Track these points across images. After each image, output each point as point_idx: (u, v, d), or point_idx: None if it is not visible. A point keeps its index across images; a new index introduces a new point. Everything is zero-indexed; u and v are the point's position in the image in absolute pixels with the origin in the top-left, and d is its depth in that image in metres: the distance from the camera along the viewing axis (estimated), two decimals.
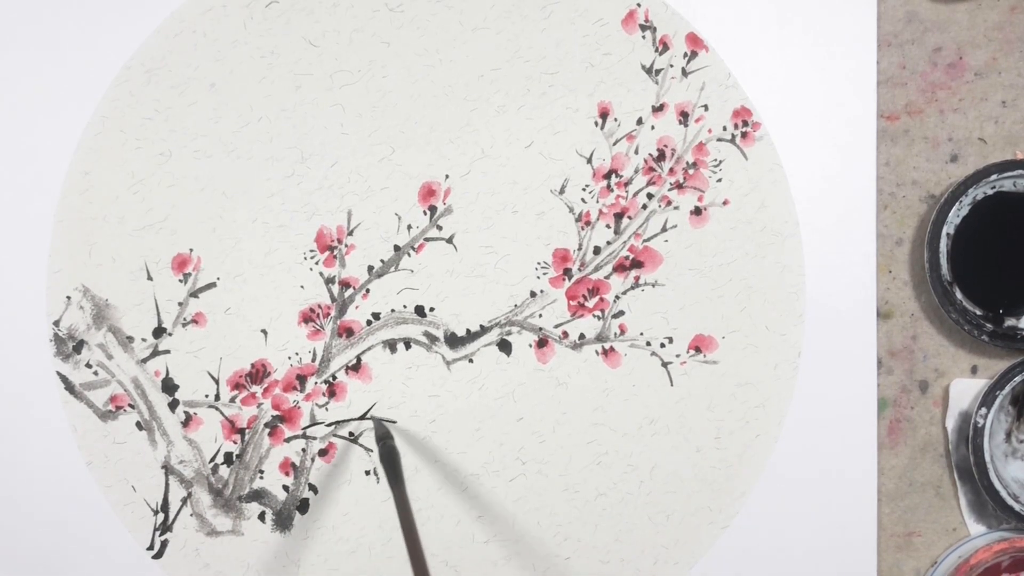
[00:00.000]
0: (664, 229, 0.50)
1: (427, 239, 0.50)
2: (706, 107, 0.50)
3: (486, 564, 0.50)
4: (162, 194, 0.49)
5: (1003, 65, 0.50)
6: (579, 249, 0.50)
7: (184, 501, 0.50)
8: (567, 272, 0.50)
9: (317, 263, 0.49)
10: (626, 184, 0.50)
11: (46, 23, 0.49)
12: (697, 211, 0.50)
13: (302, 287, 0.50)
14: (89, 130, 0.49)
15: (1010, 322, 0.49)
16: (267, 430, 0.50)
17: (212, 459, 0.50)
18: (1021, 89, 0.50)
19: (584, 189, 0.50)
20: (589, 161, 0.50)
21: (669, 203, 0.50)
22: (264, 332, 0.49)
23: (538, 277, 0.50)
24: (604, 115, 0.49)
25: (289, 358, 0.50)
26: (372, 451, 0.50)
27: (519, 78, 0.49)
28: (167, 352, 0.49)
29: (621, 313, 0.50)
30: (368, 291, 0.50)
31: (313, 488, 0.50)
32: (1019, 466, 0.50)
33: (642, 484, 0.50)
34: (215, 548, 0.50)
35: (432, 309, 0.50)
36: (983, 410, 0.49)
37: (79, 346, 0.49)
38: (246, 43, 0.49)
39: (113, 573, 0.50)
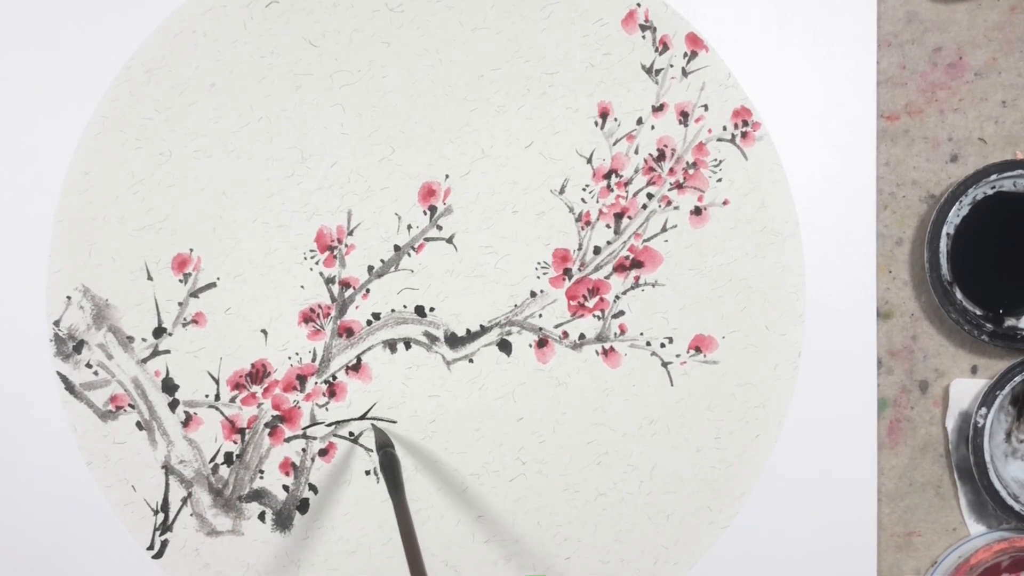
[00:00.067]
0: (664, 229, 0.50)
1: (427, 239, 0.50)
2: (706, 107, 0.50)
3: (486, 564, 0.50)
4: (162, 194, 0.49)
5: (1003, 65, 0.50)
6: (579, 249, 0.50)
7: (184, 501, 0.50)
8: (567, 272, 0.50)
9: (317, 263, 0.49)
10: (626, 184, 0.50)
11: (46, 23, 0.49)
12: (697, 211, 0.50)
13: (302, 287, 0.50)
14: (89, 130, 0.49)
15: (1010, 322, 0.49)
16: (267, 430, 0.50)
17: (212, 459, 0.50)
18: (1021, 89, 0.50)
19: (584, 189, 0.50)
20: (589, 161, 0.50)
21: (669, 203, 0.50)
22: (264, 332, 0.49)
23: (538, 277, 0.50)
24: (604, 115, 0.49)
25: (289, 358, 0.50)
26: (372, 451, 0.50)
27: (519, 78, 0.49)
28: (167, 352, 0.49)
29: (621, 313, 0.50)
30: (368, 291, 0.50)
31: (313, 488, 0.50)
32: (1019, 466, 0.50)
33: (642, 484, 0.50)
34: (215, 548, 0.50)
35: (432, 309, 0.50)
36: (983, 410, 0.49)
37: (79, 346, 0.49)
38: (246, 43, 0.49)
39: (113, 573, 0.50)
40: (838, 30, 0.49)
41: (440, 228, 0.50)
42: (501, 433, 0.50)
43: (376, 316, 0.50)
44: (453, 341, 0.50)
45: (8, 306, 0.49)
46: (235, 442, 0.50)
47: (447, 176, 0.49)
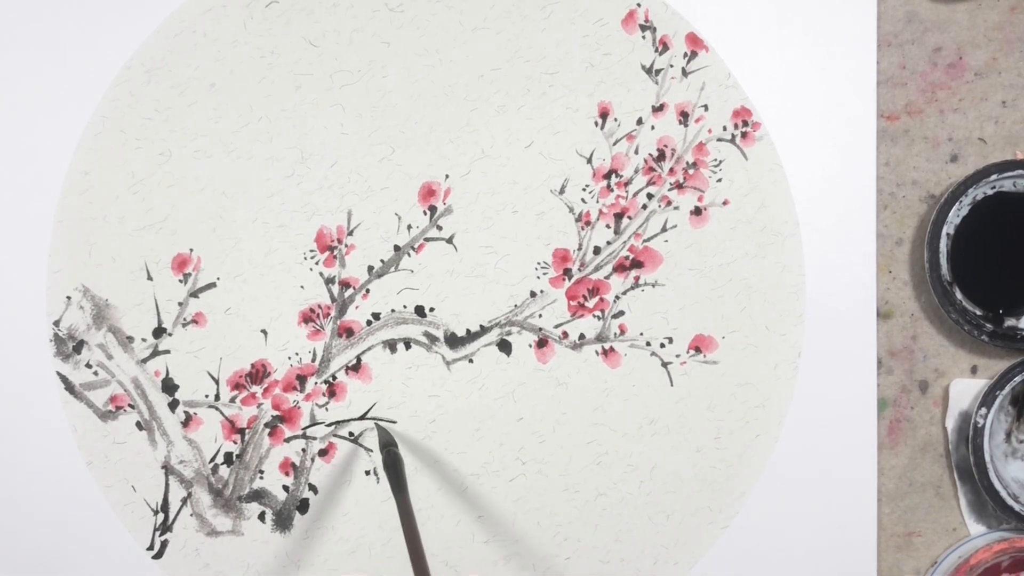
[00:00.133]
0: (664, 229, 0.50)
1: (427, 239, 0.50)
2: (706, 107, 0.50)
3: (486, 564, 0.50)
4: (162, 194, 0.49)
5: (1003, 65, 0.50)
6: (579, 249, 0.50)
7: (184, 501, 0.50)
8: (567, 272, 0.50)
9: (317, 263, 0.49)
10: (626, 184, 0.50)
11: (46, 23, 0.49)
12: (697, 211, 0.50)
13: (302, 287, 0.50)
14: (89, 130, 0.49)
15: (1010, 322, 0.49)
16: (267, 430, 0.50)
17: (212, 459, 0.50)
18: (1021, 89, 0.50)
19: (584, 189, 0.50)
20: (589, 161, 0.50)
21: (669, 203, 0.50)
22: (264, 332, 0.49)
23: (538, 277, 0.50)
24: (604, 115, 0.49)
25: (289, 358, 0.50)
26: (372, 451, 0.50)
27: (519, 78, 0.49)
28: (167, 352, 0.49)
29: (621, 313, 0.50)
30: (368, 291, 0.50)
31: (313, 488, 0.50)
32: (1019, 466, 0.50)
33: (642, 484, 0.50)
34: (215, 548, 0.50)
35: (432, 309, 0.50)
36: (983, 410, 0.49)
37: (79, 346, 0.49)
38: (246, 43, 0.49)
39: (113, 573, 0.50)
40: (838, 30, 0.49)
41: (440, 228, 0.50)
42: (501, 433, 0.50)
43: (376, 316, 0.50)
44: (453, 341, 0.50)
45: (8, 306, 0.49)
46: (235, 442, 0.50)
47: (447, 176, 0.49)
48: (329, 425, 0.50)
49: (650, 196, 0.50)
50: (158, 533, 0.50)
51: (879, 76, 0.50)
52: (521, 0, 0.49)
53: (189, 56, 0.49)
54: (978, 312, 0.49)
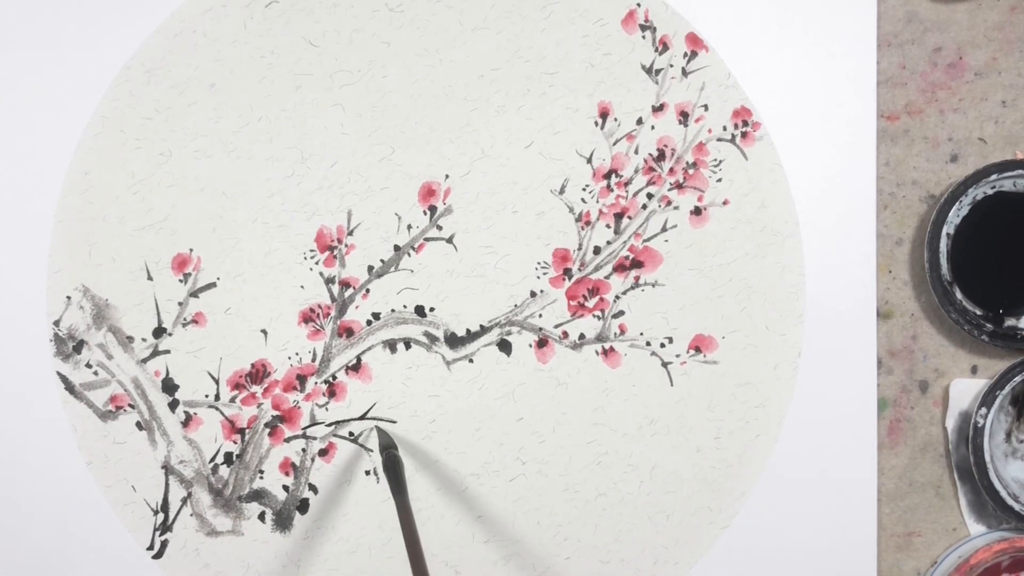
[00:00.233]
0: (664, 229, 0.50)
1: (427, 239, 0.50)
2: (706, 107, 0.50)
3: (486, 564, 0.50)
4: (162, 194, 0.49)
5: (1003, 65, 0.50)
6: (579, 249, 0.50)
7: (184, 501, 0.50)
8: (567, 272, 0.50)
9: (317, 263, 0.49)
10: (626, 184, 0.50)
11: (46, 23, 0.49)
12: (697, 211, 0.50)
13: (302, 287, 0.50)
14: (89, 130, 0.49)
15: (1010, 322, 0.49)
16: (267, 430, 0.50)
17: (212, 459, 0.50)
18: (1021, 89, 0.50)
19: (584, 189, 0.50)
20: (589, 161, 0.50)
21: (669, 203, 0.50)
22: (264, 332, 0.49)
23: (538, 277, 0.50)
24: (604, 115, 0.49)
25: (289, 358, 0.50)
26: (372, 451, 0.50)
27: (519, 78, 0.49)
28: (167, 352, 0.49)
29: (621, 313, 0.50)
30: (368, 291, 0.50)
31: (313, 488, 0.50)
32: (1019, 466, 0.50)
33: (642, 484, 0.50)
34: (215, 548, 0.50)
35: (432, 309, 0.50)
36: (983, 410, 0.49)
37: (79, 346, 0.49)
38: (246, 43, 0.49)
39: (113, 573, 0.50)
40: (838, 30, 0.49)
41: (440, 228, 0.50)
42: (501, 433, 0.50)
43: (376, 316, 0.50)
44: (453, 341, 0.50)
45: (8, 306, 0.49)
46: (235, 442, 0.50)
47: (447, 176, 0.49)
48: (329, 425, 0.50)
49: (650, 196, 0.50)
50: (158, 533, 0.50)
51: (879, 76, 0.50)
52: (521, 0, 0.49)
53: (189, 56, 0.49)
54: (978, 312, 0.49)
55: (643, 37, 0.49)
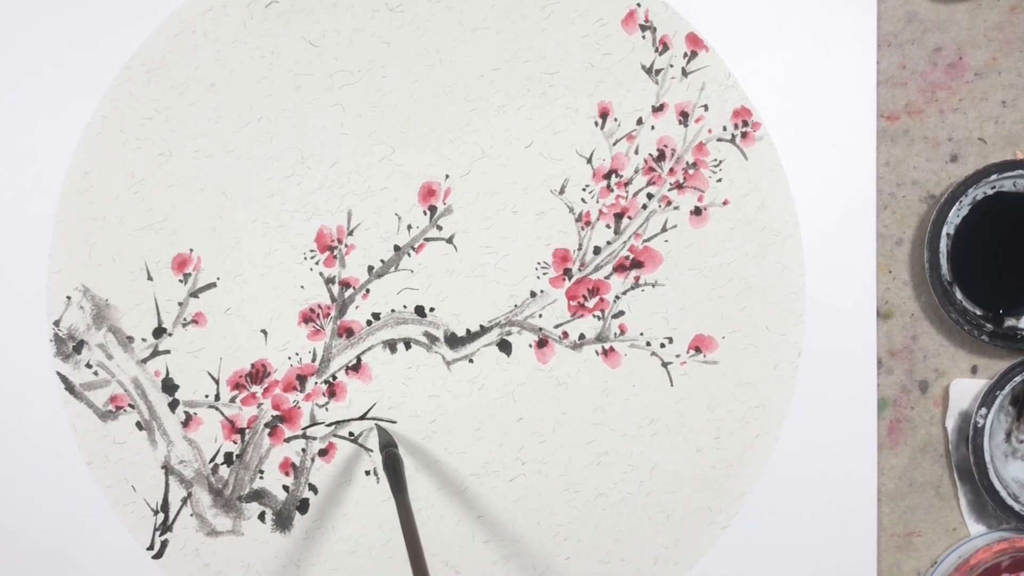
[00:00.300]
0: (664, 229, 0.50)
1: (427, 239, 0.50)
2: (706, 107, 0.50)
3: (486, 564, 0.50)
4: (162, 194, 0.49)
5: (1003, 65, 0.50)
6: (579, 249, 0.50)
7: (184, 501, 0.50)
8: (567, 272, 0.50)
9: (317, 263, 0.49)
10: (626, 184, 0.50)
11: (46, 23, 0.49)
12: (697, 211, 0.50)
13: (302, 287, 0.50)
14: (89, 130, 0.49)
15: (1010, 322, 0.49)
16: (267, 430, 0.50)
17: (212, 459, 0.50)
18: (1021, 89, 0.50)
19: (584, 189, 0.50)
20: (589, 161, 0.50)
21: (669, 203, 0.50)
22: (264, 332, 0.49)
23: (538, 277, 0.50)
24: (604, 115, 0.49)
25: (289, 358, 0.50)
26: (372, 451, 0.50)
27: (519, 78, 0.49)
28: (167, 352, 0.49)
29: (621, 313, 0.50)
30: (368, 291, 0.50)
31: (313, 488, 0.50)
32: (1019, 466, 0.50)
33: (642, 484, 0.50)
34: (215, 548, 0.50)
35: (432, 309, 0.50)
36: (983, 410, 0.49)
37: (79, 346, 0.49)
38: (246, 43, 0.49)
39: (113, 573, 0.50)
40: (838, 30, 0.49)
41: (440, 228, 0.50)
42: (501, 433, 0.50)
43: (376, 316, 0.50)
44: (453, 341, 0.50)
45: (8, 306, 0.49)
46: (235, 442, 0.50)
47: (447, 176, 0.49)
48: (329, 425, 0.50)
49: (650, 196, 0.50)
50: (158, 533, 0.50)
51: (879, 76, 0.50)
52: (521, 0, 0.49)
53: (189, 56, 0.49)
54: (978, 312, 0.49)
55: (643, 37, 0.49)
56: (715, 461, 0.50)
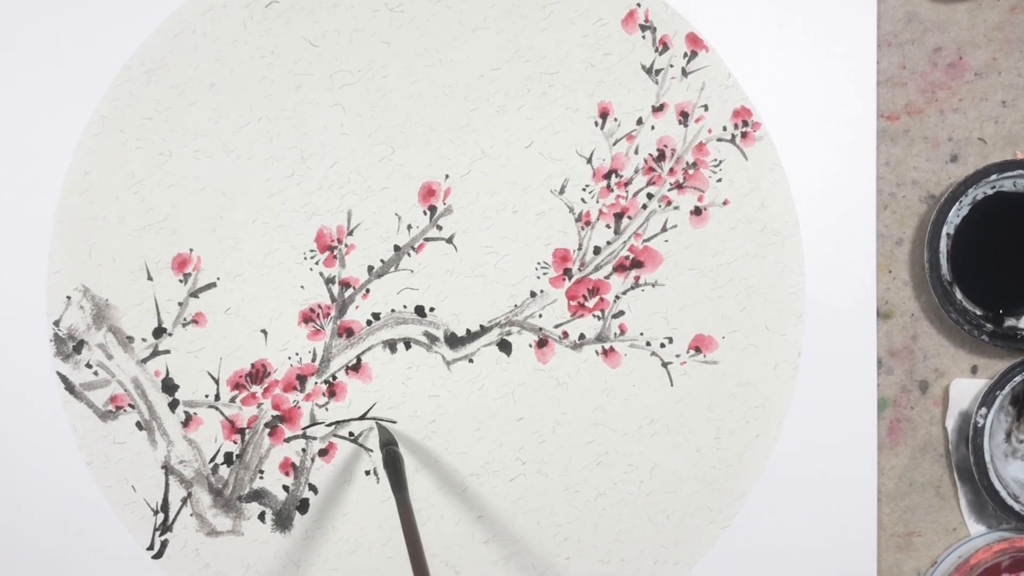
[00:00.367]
0: (664, 229, 0.50)
1: (427, 239, 0.50)
2: (706, 107, 0.50)
3: (486, 564, 0.50)
4: (162, 194, 0.49)
5: (1003, 65, 0.50)
6: (579, 249, 0.50)
7: (184, 501, 0.50)
8: (567, 272, 0.50)
9: (317, 263, 0.49)
10: (626, 184, 0.50)
11: (46, 23, 0.49)
12: (697, 211, 0.50)
13: (302, 287, 0.50)
14: (89, 130, 0.49)
15: (1010, 322, 0.49)
16: (267, 430, 0.50)
17: (212, 459, 0.50)
18: (1021, 89, 0.50)
19: (584, 189, 0.50)
20: (589, 161, 0.50)
21: (669, 203, 0.50)
22: (264, 332, 0.49)
23: (538, 277, 0.50)
24: (604, 115, 0.49)
25: (289, 358, 0.50)
26: (372, 451, 0.50)
27: (519, 78, 0.49)
28: (167, 352, 0.49)
29: (621, 313, 0.50)
30: (368, 291, 0.50)
31: (313, 488, 0.50)
32: (1019, 466, 0.50)
33: (642, 484, 0.50)
34: (215, 548, 0.50)
35: (432, 309, 0.50)
36: (983, 410, 0.49)
37: (79, 346, 0.49)
38: (246, 43, 0.49)
39: (113, 573, 0.50)
40: (838, 30, 0.49)
41: (440, 228, 0.50)
42: (501, 433, 0.50)
43: (376, 316, 0.50)
44: (453, 341, 0.50)
45: (8, 306, 0.49)
46: (235, 442, 0.50)
47: (447, 176, 0.49)
48: (329, 425, 0.50)
49: (650, 196, 0.50)
50: (158, 533, 0.50)
51: (879, 76, 0.50)
52: (521, 0, 0.49)
53: (189, 56, 0.49)
54: (978, 312, 0.49)
55: (643, 37, 0.49)
56: (715, 461, 0.50)
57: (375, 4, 0.49)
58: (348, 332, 0.50)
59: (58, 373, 0.49)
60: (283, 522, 0.50)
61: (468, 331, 0.50)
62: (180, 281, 0.49)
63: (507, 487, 0.50)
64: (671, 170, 0.50)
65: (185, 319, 0.49)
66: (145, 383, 0.50)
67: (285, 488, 0.50)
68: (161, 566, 0.50)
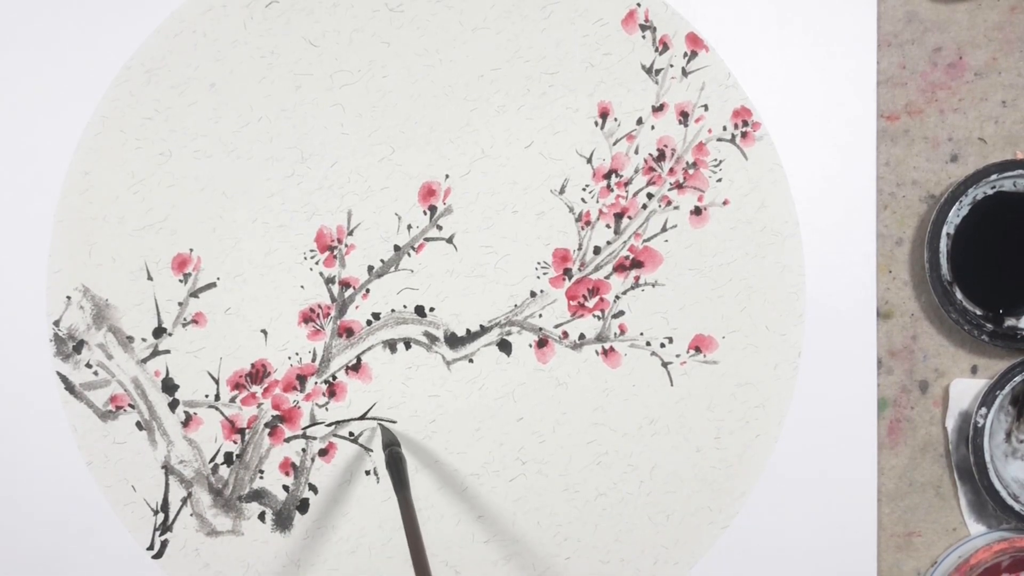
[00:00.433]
0: (664, 229, 0.50)
1: (427, 239, 0.50)
2: (706, 107, 0.50)
3: (486, 564, 0.50)
4: (162, 194, 0.49)
5: (1003, 65, 0.50)
6: (579, 249, 0.50)
7: (184, 501, 0.50)
8: (567, 272, 0.50)
9: (317, 263, 0.49)
10: (626, 184, 0.50)
11: (46, 23, 0.49)
12: (697, 211, 0.50)
13: (302, 287, 0.50)
14: (89, 130, 0.49)
15: (1010, 322, 0.49)
16: (267, 430, 0.50)
17: (212, 459, 0.50)
18: (1021, 89, 0.50)
19: (584, 189, 0.50)
20: (589, 161, 0.50)
21: (669, 203, 0.50)
22: (264, 332, 0.49)
23: (538, 277, 0.50)
24: (604, 115, 0.49)
25: (289, 358, 0.50)
26: (372, 451, 0.50)
27: (519, 78, 0.49)
28: (167, 352, 0.49)
29: (621, 313, 0.50)
30: (368, 291, 0.50)
31: (313, 488, 0.50)
32: (1019, 466, 0.50)
33: (642, 484, 0.50)
34: (215, 548, 0.50)
35: (432, 309, 0.50)
36: (983, 410, 0.49)
37: (79, 346, 0.49)
38: (246, 43, 0.49)
39: (113, 573, 0.50)
40: (838, 30, 0.49)
41: (440, 228, 0.50)
42: (501, 433, 0.50)
43: (376, 316, 0.50)
44: (453, 341, 0.50)
45: (8, 306, 0.49)
46: (235, 442, 0.50)
47: (447, 176, 0.49)
48: (329, 425, 0.50)
49: (650, 196, 0.50)
50: (158, 533, 0.50)
51: (879, 76, 0.50)
52: (521, 0, 0.49)
53: (189, 56, 0.49)
54: (978, 312, 0.49)
55: (643, 37, 0.49)
56: (715, 461, 0.50)
57: (375, 4, 0.49)
58: (348, 332, 0.50)
59: (58, 373, 0.49)
60: (283, 522, 0.50)
61: (468, 331, 0.50)
62: (180, 281, 0.49)
63: (507, 487, 0.50)
64: (671, 170, 0.50)
65: (185, 319, 0.49)
66: (145, 383, 0.50)
67: (285, 488, 0.50)
68: (161, 566, 0.50)
